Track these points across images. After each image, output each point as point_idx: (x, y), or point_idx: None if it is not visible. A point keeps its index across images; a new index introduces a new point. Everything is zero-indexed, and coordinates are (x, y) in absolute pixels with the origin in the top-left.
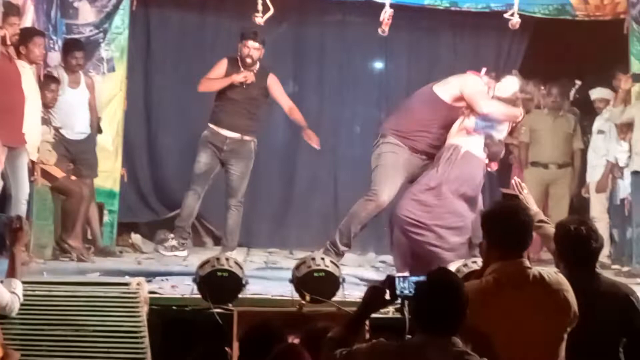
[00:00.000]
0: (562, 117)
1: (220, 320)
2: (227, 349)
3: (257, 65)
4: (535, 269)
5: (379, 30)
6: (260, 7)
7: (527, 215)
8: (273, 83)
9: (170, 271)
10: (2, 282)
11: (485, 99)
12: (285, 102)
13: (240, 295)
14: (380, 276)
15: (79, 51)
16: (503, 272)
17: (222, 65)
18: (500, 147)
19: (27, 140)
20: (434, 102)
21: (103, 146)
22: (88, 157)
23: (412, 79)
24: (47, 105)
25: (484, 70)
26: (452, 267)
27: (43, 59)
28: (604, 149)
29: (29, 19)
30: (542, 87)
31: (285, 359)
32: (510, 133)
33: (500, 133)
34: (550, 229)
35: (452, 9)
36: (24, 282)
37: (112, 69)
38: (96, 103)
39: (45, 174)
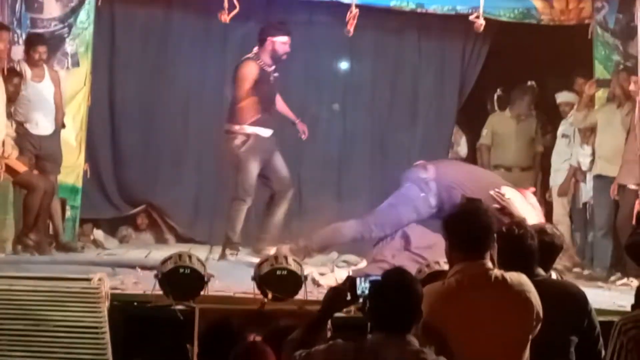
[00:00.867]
0: (525, 121)
1: (182, 317)
2: (188, 345)
3: None
4: (498, 271)
5: (345, 31)
6: (226, 5)
7: (487, 216)
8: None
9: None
10: None
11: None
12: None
13: (202, 293)
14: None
15: (41, 45)
16: (464, 274)
17: (253, 69)
18: None
19: None
20: None
21: (66, 141)
22: (52, 153)
23: (377, 79)
24: (9, 99)
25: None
26: (414, 268)
27: (7, 53)
28: (568, 153)
29: None
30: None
31: (249, 357)
32: None
33: None
34: None
35: (418, 10)
36: None
37: (76, 64)
38: (62, 99)
39: (7, 168)
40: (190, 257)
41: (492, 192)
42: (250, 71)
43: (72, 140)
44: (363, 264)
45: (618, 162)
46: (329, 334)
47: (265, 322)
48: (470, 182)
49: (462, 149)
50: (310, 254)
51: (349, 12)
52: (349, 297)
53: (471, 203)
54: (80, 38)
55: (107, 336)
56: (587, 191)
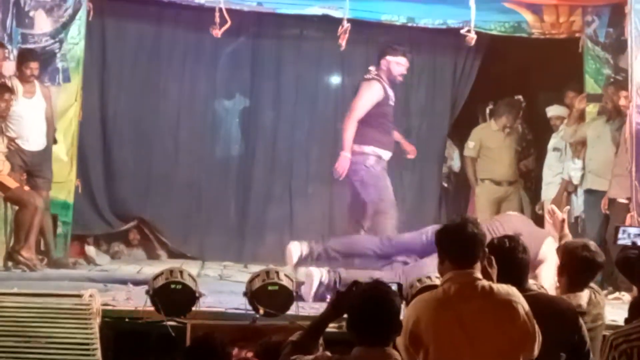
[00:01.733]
0: (512, 135)
1: (174, 332)
2: None
3: None
4: (486, 281)
5: (336, 45)
6: (217, 20)
7: (475, 227)
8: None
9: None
10: None
11: None
12: None
13: (193, 308)
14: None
15: (33, 61)
16: (452, 283)
17: (377, 89)
18: None
19: None
20: None
21: (57, 157)
22: (43, 169)
23: None
24: (0, 115)
25: None
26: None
27: None
28: (559, 166)
29: None
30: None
31: None
32: None
33: None
34: None
35: (409, 24)
36: None
37: (67, 79)
38: (53, 114)
39: None
40: (181, 272)
41: (549, 207)
42: (375, 91)
43: (64, 156)
44: None
45: (608, 176)
46: (320, 349)
47: (257, 338)
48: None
49: (456, 162)
50: (330, 257)
51: (340, 27)
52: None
53: (462, 218)
54: (72, 53)
55: (99, 352)
56: (578, 205)
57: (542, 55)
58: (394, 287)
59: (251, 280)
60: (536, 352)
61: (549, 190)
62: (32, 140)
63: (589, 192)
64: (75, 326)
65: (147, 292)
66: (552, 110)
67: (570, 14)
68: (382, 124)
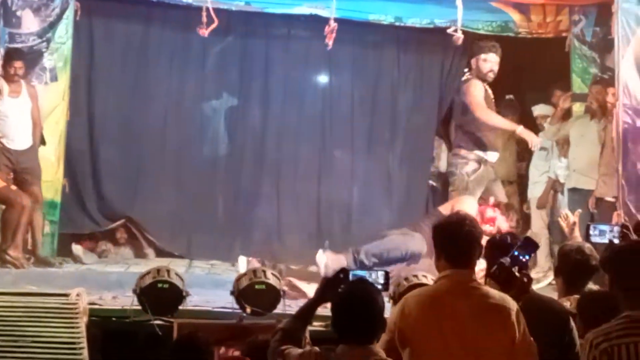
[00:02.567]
0: (509, 134)
1: (161, 331)
2: None
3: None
4: (481, 284)
5: (324, 45)
6: (204, 19)
7: (472, 226)
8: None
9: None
10: None
11: None
12: None
13: (180, 307)
14: None
15: (17, 60)
16: (448, 280)
17: (480, 86)
18: None
19: None
20: None
21: (45, 156)
22: (31, 167)
23: (356, 93)
24: None
25: None
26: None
27: None
28: (546, 165)
29: None
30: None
31: None
32: None
33: None
34: None
35: (397, 24)
36: None
37: (54, 79)
38: (39, 113)
39: None
40: (168, 271)
41: (563, 212)
42: (479, 89)
43: (51, 155)
44: None
45: (593, 175)
46: (307, 347)
47: (244, 336)
48: None
49: (443, 163)
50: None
51: (327, 26)
52: (341, 289)
53: (458, 214)
54: (59, 53)
55: (85, 352)
56: (565, 203)
57: (529, 55)
58: (381, 275)
59: (238, 279)
60: None
61: (536, 189)
62: (18, 139)
63: (573, 191)
64: (62, 325)
65: (134, 291)
66: (538, 110)
67: (557, 13)
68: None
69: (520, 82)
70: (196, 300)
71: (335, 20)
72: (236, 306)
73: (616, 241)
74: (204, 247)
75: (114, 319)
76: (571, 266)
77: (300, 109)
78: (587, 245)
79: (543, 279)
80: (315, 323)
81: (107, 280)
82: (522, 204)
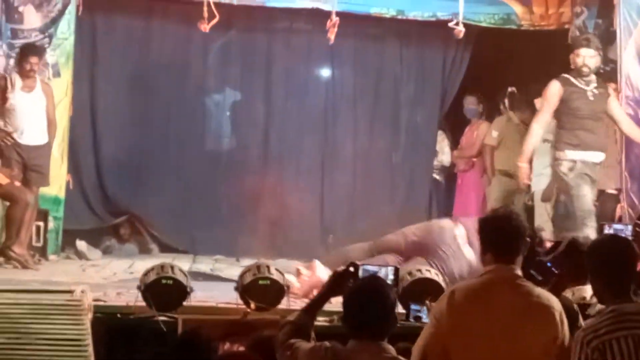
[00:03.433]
0: (524, 128)
1: (165, 327)
2: None
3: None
4: (527, 282)
5: (326, 38)
6: (205, 14)
7: (518, 221)
8: (614, 99)
9: None
10: None
11: None
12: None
13: (185, 303)
14: None
15: (33, 56)
16: (494, 275)
17: (556, 88)
18: None
19: None
20: None
21: None
22: (40, 164)
23: (359, 86)
24: None
25: None
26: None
27: None
28: (549, 157)
29: None
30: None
31: None
32: None
33: None
34: None
35: (399, 17)
36: None
37: (57, 74)
38: (55, 111)
39: None
40: (172, 267)
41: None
42: (553, 90)
43: (55, 151)
44: None
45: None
46: (312, 343)
47: (248, 332)
48: None
49: (446, 157)
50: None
51: (329, 21)
52: (351, 282)
53: (505, 209)
54: (61, 48)
55: (90, 348)
56: None
57: (532, 47)
58: (391, 271)
59: (242, 275)
60: None
61: (540, 181)
62: (29, 134)
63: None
64: (67, 322)
65: (139, 288)
66: (541, 102)
67: (560, 5)
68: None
69: (522, 74)
70: (200, 296)
71: (337, 14)
72: (240, 302)
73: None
74: (207, 242)
75: (118, 315)
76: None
77: (303, 103)
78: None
79: None
80: (319, 318)
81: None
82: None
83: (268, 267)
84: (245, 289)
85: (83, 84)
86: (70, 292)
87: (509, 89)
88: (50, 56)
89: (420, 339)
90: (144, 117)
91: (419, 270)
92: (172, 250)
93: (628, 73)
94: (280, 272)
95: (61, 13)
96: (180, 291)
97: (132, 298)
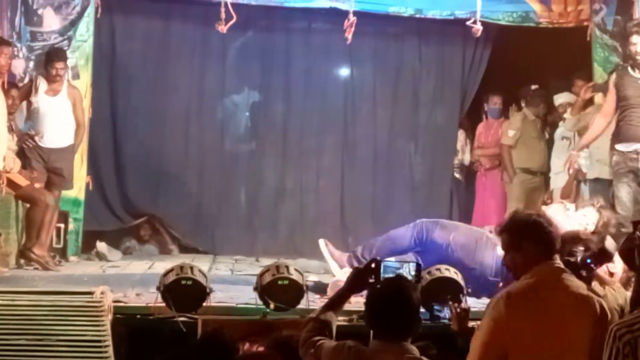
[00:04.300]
0: (541, 124)
1: (185, 328)
2: None
3: None
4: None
5: (345, 38)
6: (222, 15)
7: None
8: None
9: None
10: None
11: None
12: None
13: (204, 304)
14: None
15: (59, 61)
16: (543, 273)
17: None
18: None
19: None
20: None
21: None
22: (61, 167)
23: (378, 85)
24: (9, 112)
25: None
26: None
27: (8, 68)
28: (569, 155)
29: None
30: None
31: None
32: None
33: None
34: None
35: (417, 16)
36: None
37: (76, 77)
38: (82, 116)
39: (9, 182)
40: (192, 268)
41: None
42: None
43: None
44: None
45: None
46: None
47: (268, 332)
48: None
49: (467, 156)
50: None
51: (346, 20)
52: (372, 279)
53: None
54: (80, 50)
55: (110, 350)
56: (588, 194)
57: (551, 44)
58: (413, 268)
59: (261, 275)
60: None
61: (558, 179)
62: (51, 137)
63: (595, 181)
64: (87, 324)
65: (158, 288)
66: (561, 98)
67: (578, 2)
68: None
69: (542, 71)
70: (220, 296)
71: (355, 13)
72: (260, 302)
73: None
74: (227, 242)
75: (138, 316)
76: None
77: (322, 102)
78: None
79: None
80: (339, 318)
81: (131, 277)
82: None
83: (287, 267)
84: (265, 289)
85: (102, 86)
86: (90, 293)
87: (532, 87)
88: (69, 58)
89: (477, 343)
90: (163, 118)
91: (438, 269)
92: (191, 251)
93: None
94: (299, 272)
95: (80, 15)
96: (199, 292)
97: (152, 299)
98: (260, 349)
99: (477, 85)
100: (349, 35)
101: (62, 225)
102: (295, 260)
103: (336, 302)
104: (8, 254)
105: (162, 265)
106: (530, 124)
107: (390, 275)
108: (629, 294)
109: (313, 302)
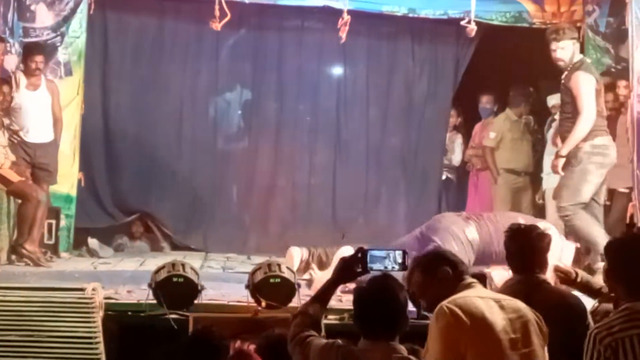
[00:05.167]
0: (524, 124)
1: (176, 325)
2: None
3: None
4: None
5: (337, 37)
6: (217, 13)
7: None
8: None
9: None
10: None
11: None
12: None
13: (196, 301)
14: None
15: (38, 55)
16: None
17: None
18: None
19: None
20: None
21: (60, 150)
22: (47, 162)
23: (371, 84)
24: (0, 108)
25: None
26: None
27: (0, 64)
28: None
29: None
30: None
31: None
32: None
33: None
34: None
35: (410, 15)
36: None
37: (69, 73)
38: (61, 109)
39: (1, 178)
40: (183, 265)
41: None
42: None
43: (66, 149)
44: None
45: None
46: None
47: (259, 330)
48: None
49: (456, 156)
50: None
51: (340, 19)
52: (359, 269)
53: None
54: (73, 47)
55: (101, 346)
56: None
57: (544, 45)
58: (399, 255)
59: (253, 273)
60: None
61: (550, 179)
62: (35, 132)
63: None
64: (78, 320)
65: (150, 285)
66: (553, 99)
67: (571, 3)
68: None
69: (534, 72)
70: (211, 294)
71: (349, 12)
72: (251, 300)
73: None
74: (219, 240)
75: (129, 313)
76: None
77: (315, 101)
78: None
79: None
80: (330, 317)
81: (122, 274)
82: (534, 194)
83: (279, 265)
84: (256, 287)
85: (95, 83)
86: (81, 289)
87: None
88: (62, 54)
89: None
90: (156, 115)
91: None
92: (183, 249)
93: None
94: (291, 271)
95: (73, 11)
96: (191, 289)
97: (143, 295)
98: (252, 347)
99: (468, 84)
100: (343, 34)
101: (53, 222)
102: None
103: (324, 293)
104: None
105: (153, 263)
106: (513, 124)
107: (377, 264)
108: None
109: (305, 300)
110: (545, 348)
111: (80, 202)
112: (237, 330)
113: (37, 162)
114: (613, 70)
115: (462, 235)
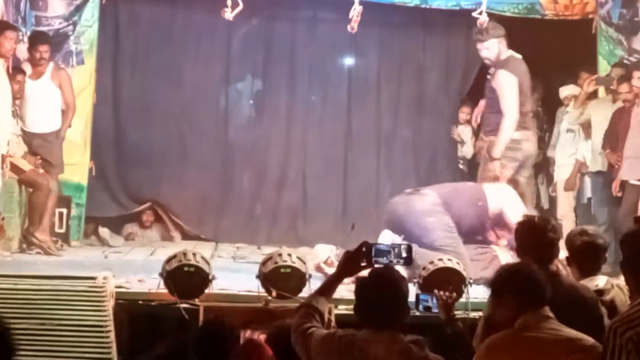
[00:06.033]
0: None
1: (187, 315)
2: None
3: None
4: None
5: (348, 28)
6: (229, 3)
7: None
8: None
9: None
10: None
11: None
12: None
13: (206, 291)
14: None
15: (42, 44)
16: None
17: None
18: None
19: None
20: None
21: (71, 139)
22: (49, 151)
23: (382, 75)
24: (14, 97)
25: None
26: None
27: (13, 53)
28: (573, 147)
29: None
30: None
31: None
32: None
33: None
34: None
35: (422, 6)
36: None
37: (81, 62)
38: (72, 98)
39: (13, 167)
40: (194, 255)
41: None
42: None
43: (78, 138)
44: None
45: None
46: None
47: (270, 320)
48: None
49: (468, 148)
50: None
51: (352, 9)
52: (364, 262)
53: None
54: (85, 36)
55: (112, 335)
56: (589, 186)
57: (556, 37)
58: (404, 249)
59: (264, 263)
60: None
61: (562, 171)
62: (37, 121)
63: (597, 174)
64: (89, 308)
65: (161, 275)
66: (566, 91)
67: None
68: None
69: (546, 63)
70: (222, 284)
71: (361, 2)
72: (262, 290)
73: None
74: (230, 230)
75: (140, 302)
76: (577, 249)
77: (326, 91)
78: (590, 226)
79: None
80: (340, 307)
81: (133, 263)
82: (547, 186)
83: (290, 255)
84: (267, 277)
85: (106, 72)
86: (92, 278)
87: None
88: (74, 44)
89: None
90: (167, 104)
91: (441, 260)
92: (194, 238)
93: None
94: (301, 260)
95: (85, 1)
96: (202, 279)
97: (154, 285)
98: (262, 336)
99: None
100: (355, 25)
101: (64, 211)
102: (297, 248)
103: (328, 287)
104: (11, 238)
105: (164, 252)
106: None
107: (382, 258)
108: None
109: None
110: None
111: (91, 191)
112: (248, 319)
113: (40, 152)
114: (626, 61)
115: None
